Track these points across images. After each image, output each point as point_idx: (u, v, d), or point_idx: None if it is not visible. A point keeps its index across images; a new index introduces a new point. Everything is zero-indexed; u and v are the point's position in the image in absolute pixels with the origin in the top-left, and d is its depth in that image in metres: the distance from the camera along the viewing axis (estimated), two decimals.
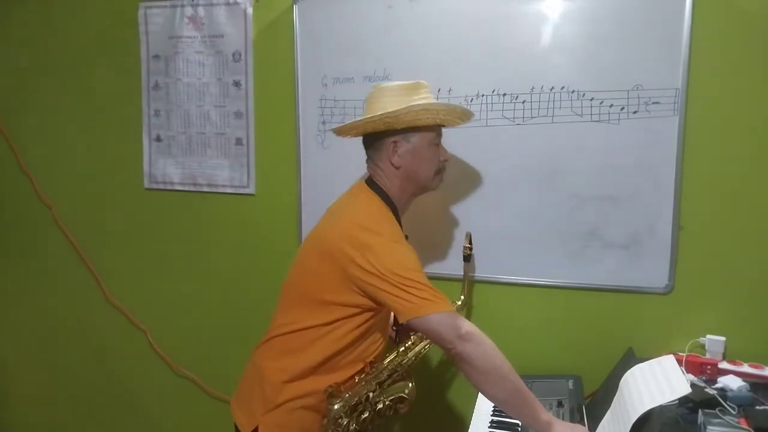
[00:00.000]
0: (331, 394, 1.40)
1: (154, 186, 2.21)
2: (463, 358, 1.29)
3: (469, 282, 1.77)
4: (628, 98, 1.64)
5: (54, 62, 2.27)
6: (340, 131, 1.54)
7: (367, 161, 1.53)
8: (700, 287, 1.65)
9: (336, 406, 1.39)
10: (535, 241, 1.76)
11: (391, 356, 1.53)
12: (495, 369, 1.29)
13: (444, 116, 1.51)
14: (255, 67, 2.02)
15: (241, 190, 2.09)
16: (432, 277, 1.76)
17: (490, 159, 1.77)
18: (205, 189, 2.14)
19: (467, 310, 1.85)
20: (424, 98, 1.47)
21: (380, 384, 1.47)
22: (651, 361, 1.39)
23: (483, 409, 1.55)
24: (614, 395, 1.37)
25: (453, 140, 1.78)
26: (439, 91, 1.78)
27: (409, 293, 1.31)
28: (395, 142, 1.46)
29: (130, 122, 2.18)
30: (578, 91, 1.68)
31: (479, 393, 1.61)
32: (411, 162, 1.48)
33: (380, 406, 1.46)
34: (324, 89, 1.92)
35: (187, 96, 2.11)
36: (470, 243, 1.71)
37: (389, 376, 1.49)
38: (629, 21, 1.62)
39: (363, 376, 1.46)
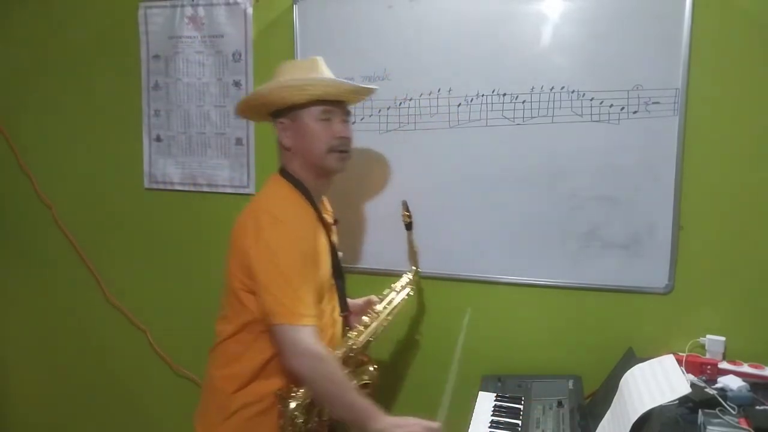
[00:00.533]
0: (282, 396, 1.36)
1: (154, 186, 2.21)
2: (294, 372, 1.29)
3: (414, 251, 1.74)
4: (628, 98, 1.64)
5: (54, 62, 2.27)
6: (237, 112, 1.54)
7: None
8: (700, 287, 1.65)
9: (291, 405, 1.34)
10: (535, 241, 1.76)
11: (343, 345, 1.47)
12: (324, 387, 1.29)
13: (312, 91, 1.40)
14: (255, 67, 2.01)
15: (241, 190, 2.08)
16: (436, 277, 1.79)
17: (490, 159, 1.77)
18: (205, 189, 2.13)
19: (472, 309, 1.85)
20: (314, 75, 1.43)
21: None
22: (651, 360, 1.39)
23: (483, 409, 1.54)
24: (614, 395, 1.37)
25: (454, 140, 1.79)
26: (439, 91, 1.78)
27: (270, 293, 1.29)
28: (281, 122, 1.44)
29: (130, 122, 2.18)
30: (578, 91, 1.68)
31: (479, 392, 1.62)
32: (299, 141, 1.43)
33: None
34: None
35: (187, 96, 2.11)
36: (408, 210, 1.69)
37: (343, 364, 1.41)
38: (629, 21, 1.62)
39: None
